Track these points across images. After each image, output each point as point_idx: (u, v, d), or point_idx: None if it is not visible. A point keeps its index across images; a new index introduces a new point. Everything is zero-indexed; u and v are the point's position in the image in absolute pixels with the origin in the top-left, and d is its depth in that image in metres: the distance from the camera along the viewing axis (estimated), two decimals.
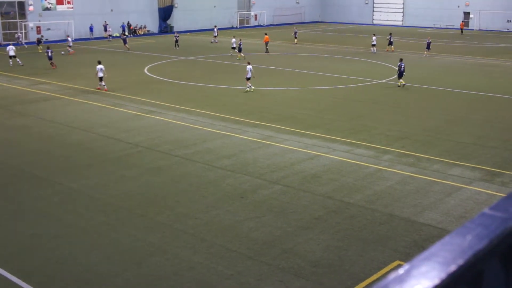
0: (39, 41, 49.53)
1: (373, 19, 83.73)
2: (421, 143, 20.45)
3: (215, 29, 57.13)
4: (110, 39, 56.83)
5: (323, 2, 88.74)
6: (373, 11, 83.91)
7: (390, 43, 49.53)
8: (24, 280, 10.68)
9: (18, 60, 39.42)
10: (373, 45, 48.55)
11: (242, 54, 43.87)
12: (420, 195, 15.30)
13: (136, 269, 11.16)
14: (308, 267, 11.30)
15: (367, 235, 12.81)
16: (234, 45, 45.07)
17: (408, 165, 17.82)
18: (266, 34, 51.06)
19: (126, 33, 56.06)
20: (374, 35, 50.19)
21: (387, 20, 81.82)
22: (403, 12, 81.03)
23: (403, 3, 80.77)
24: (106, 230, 13.04)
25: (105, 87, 30.51)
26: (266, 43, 48.63)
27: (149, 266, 11.29)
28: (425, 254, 1.25)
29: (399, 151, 19.39)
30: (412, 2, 79.43)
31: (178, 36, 52.25)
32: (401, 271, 1.23)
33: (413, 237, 12.68)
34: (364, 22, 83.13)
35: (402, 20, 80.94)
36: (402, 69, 31.42)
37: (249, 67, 29.92)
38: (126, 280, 10.75)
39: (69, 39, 47.47)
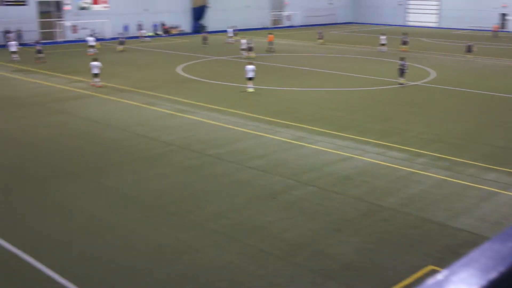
0: (96, 38, 51.50)
1: (406, 20, 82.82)
2: (455, 146, 20.16)
3: (231, 30, 57.81)
4: (145, 39, 57.39)
5: (356, 3, 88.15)
6: (407, 12, 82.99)
7: (404, 43, 49.59)
8: (59, 274, 10.86)
9: (15, 56, 41.66)
10: (383, 45, 49.19)
11: (252, 54, 44.18)
12: (455, 199, 15.08)
13: (168, 267, 11.25)
14: (339, 269, 11.24)
15: (400, 238, 12.68)
16: (244, 46, 45.08)
17: (442, 169, 17.57)
18: (270, 33, 51.23)
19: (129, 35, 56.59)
20: (383, 34, 51.14)
21: (421, 22, 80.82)
22: (437, 13, 79.95)
23: (438, 4, 79.70)
24: (139, 227, 13.18)
25: (99, 83, 31.30)
26: (270, 43, 48.59)
27: (181, 264, 11.37)
28: (464, 260, 1.23)
29: (433, 154, 19.14)
30: (447, 3, 78.31)
31: (206, 35, 54.30)
32: (439, 276, 1.21)
33: (447, 242, 12.50)
34: (397, 24, 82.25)
35: (437, 22, 79.86)
36: (404, 68, 31.98)
37: (251, 67, 29.90)
38: (158, 278, 10.84)
39: (90, 38, 47.65)
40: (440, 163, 18.15)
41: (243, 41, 45.44)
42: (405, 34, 51.85)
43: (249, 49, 44.64)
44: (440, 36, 66.16)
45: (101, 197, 15.08)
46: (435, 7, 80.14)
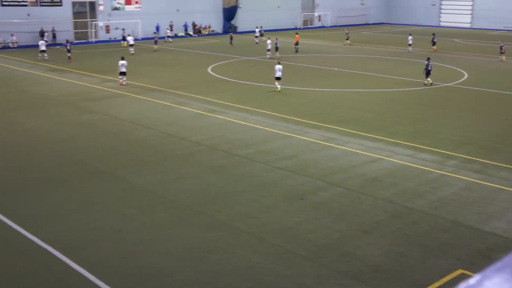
0: (123, 38, 53.57)
1: (439, 21, 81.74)
2: (487, 149, 19.82)
3: (258, 30, 58.27)
4: (168, 39, 57.89)
5: (388, 3, 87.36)
6: (440, 12, 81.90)
7: (434, 43, 49.61)
8: (89, 271, 11.02)
9: (46, 55, 42.97)
10: (410, 45, 49.44)
11: (278, 54, 44.44)
12: (486, 202, 14.83)
13: (195, 266, 11.31)
14: (367, 271, 11.15)
15: (429, 241, 12.52)
16: (269, 47, 45.27)
17: (473, 171, 17.30)
18: (297, 34, 51.62)
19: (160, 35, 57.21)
20: (410, 34, 51.54)
21: (455, 22, 79.68)
22: (471, 13, 78.71)
23: (472, 5, 78.46)
24: (167, 226, 13.28)
25: (124, 82, 31.90)
26: (296, 43, 48.83)
27: (208, 264, 11.42)
28: (497, 265, 1.20)
29: (464, 156, 18.86)
30: (481, 3, 77.04)
31: (232, 35, 55.91)
32: (472, 281, 1.18)
33: (478, 246, 12.30)
34: (430, 24, 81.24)
35: (471, 22, 78.63)
36: (429, 68, 31.90)
37: (278, 66, 29.86)
38: (185, 277, 10.91)
39: (130, 38, 48.54)
40: (471, 166, 17.87)
41: (269, 41, 45.69)
42: (433, 34, 51.58)
43: (276, 49, 44.89)
44: (473, 36, 65.16)
45: (130, 196, 15.24)
46: (468, 8, 78.91)
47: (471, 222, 13.57)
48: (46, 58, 42.67)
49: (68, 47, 43.09)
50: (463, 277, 10.95)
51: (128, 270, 11.16)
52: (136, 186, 15.95)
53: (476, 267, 11.31)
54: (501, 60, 43.79)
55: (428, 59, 32.75)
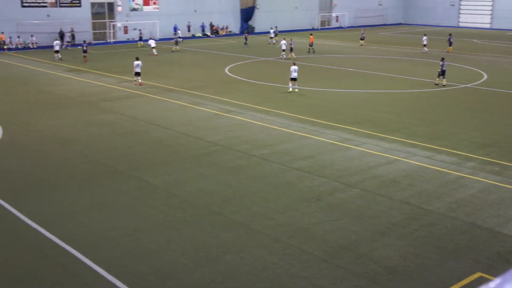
0: (140, 38, 55.02)
1: (458, 22, 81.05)
2: (506, 150, 19.58)
3: (272, 31, 58.40)
4: (180, 40, 58.17)
5: (406, 3, 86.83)
6: (459, 13, 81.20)
7: (450, 44, 49.69)
8: (106, 270, 11.07)
9: (59, 55, 43.89)
10: (424, 45, 49.48)
11: (293, 54, 44.57)
12: (505, 205, 14.65)
13: (211, 266, 11.31)
14: (384, 273, 11.07)
15: (447, 244, 12.40)
16: (284, 47, 45.29)
17: (492, 174, 17.10)
18: (311, 34, 51.98)
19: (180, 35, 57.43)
20: (425, 35, 51.47)
21: (474, 23, 78.96)
22: (491, 14, 77.93)
23: (491, 5, 77.68)
24: (183, 226, 13.30)
25: (139, 81, 32.24)
26: (311, 44, 49.02)
27: (224, 264, 11.41)
28: None
29: (483, 158, 18.66)
30: (501, 3, 76.26)
31: (247, 36, 56.14)
32: (492, 284, 1.15)
33: (497, 249, 12.15)
34: (449, 25, 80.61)
35: (490, 23, 77.87)
36: (444, 68, 31.84)
37: (294, 67, 29.80)
38: (201, 277, 10.92)
39: (152, 41, 48.67)
40: (490, 168, 17.67)
41: (283, 42, 45.74)
42: (450, 34, 51.54)
43: (290, 49, 45.00)
44: (493, 37, 64.52)
45: (146, 196, 15.30)
46: (488, 8, 78.14)
47: (489, 224, 13.42)
48: (58, 58, 43.31)
49: (85, 48, 43.67)
50: (481, 281, 10.82)
51: (144, 269, 11.19)
52: (153, 186, 16.01)
53: (495, 270, 11.18)
54: None
55: (443, 59, 32.61)
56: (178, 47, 50.49)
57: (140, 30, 56.54)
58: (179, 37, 57.30)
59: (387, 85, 32.78)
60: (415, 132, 22.02)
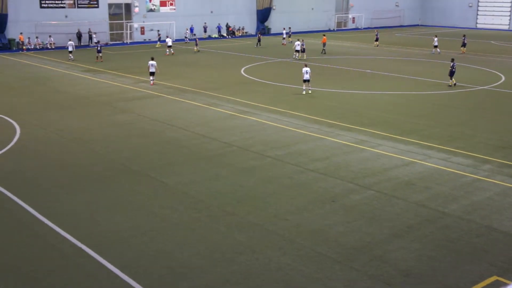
0: (159, 39, 56.33)
1: (476, 23, 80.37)
2: None
3: (284, 32, 58.77)
4: (187, 41, 58.86)
5: (423, 5, 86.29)
6: (477, 14, 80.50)
7: (464, 45, 49.81)
8: (121, 270, 11.13)
9: (71, 55, 44.76)
10: (435, 46, 49.59)
11: (303, 55, 45.23)
12: None
13: (225, 267, 11.34)
14: (398, 276, 11.02)
15: (463, 246, 12.30)
16: (298, 48, 45.75)
17: (509, 176, 16.94)
18: (324, 35, 52.21)
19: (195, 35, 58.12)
20: (436, 36, 51.64)
21: (492, 24, 78.25)
22: (510, 15, 77.16)
23: (510, 6, 76.91)
24: (198, 226, 13.35)
25: (153, 81, 32.86)
26: (324, 44, 49.40)
27: (238, 264, 11.43)
28: None
29: (500, 161, 18.49)
30: None
31: (260, 37, 56.45)
32: None
33: None
34: (467, 26, 79.96)
35: (509, 24, 77.10)
36: (453, 69, 32.26)
37: (306, 69, 29.72)
38: (216, 277, 10.94)
39: (168, 39, 49.49)
40: (507, 170, 17.51)
41: (297, 42, 46.02)
42: (464, 35, 51.57)
43: (303, 50, 45.49)
44: (511, 39, 63.86)
45: (161, 195, 15.37)
46: (507, 9, 77.39)
47: (506, 228, 13.29)
48: (71, 59, 44.13)
49: (99, 48, 44.12)
50: (498, 284, 10.73)
51: (159, 269, 11.25)
52: (168, 186, 16.08)
53: (511, 274, 11.07)
54: None
55: (453, 60, 32.91)
56: (197, 48, 50.76)
57: (158, 31, 57.12)
58: (188, 38, 58.21)
59: (402, 87, 32.61)
60: (431, 134, 21.88)
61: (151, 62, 32.65)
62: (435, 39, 49.93)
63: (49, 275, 11.05)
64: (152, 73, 32.69)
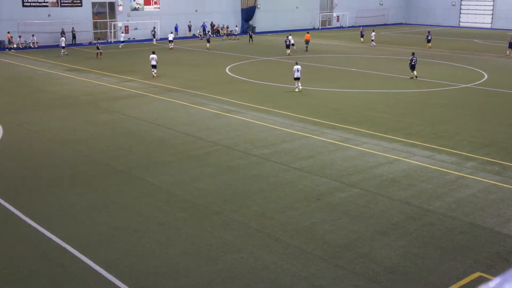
0: (153, 35, 58.43)
1: (459, 22, 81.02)
2: (507, 150, 19.59)
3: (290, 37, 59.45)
4: (201, 38, 60.49)
5: (407, 3, 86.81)
6: (460, 13, 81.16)
7: (428, 41, 52.54)
8: (106, 270, 11.09)
9: (64, 51, 46.99)
10: (372, 40, 53.67)
11: (291, 51, 46.89)
12: (505, 205, 14.66)
13: (211, 266, 11.33)
14: (383, 273, 11.09)
15: (447, 243, 12.41)
16: (293, 42, 47.75)
17: (492, 173, 17.12)
18: (307, 33, 53.00)
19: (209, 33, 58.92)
20: (373, 31, 55.88)
21: (475, 23, 78.93)
22: (492, 14, 77.89)
23: (492, 5, 77.63)
24: (183, 225, 13.32)
25: (155, 74, 34.97)
26: (307, 41, 50.17)
27: (224, 264, 11.44)
28: None
29: (483, 158, 18.67)
30: (502, 3, 76.22)
31: (251, 34, 58.75)
32: (491, 284, 1.17)
33: (496, 249, 12.16)
34: (450, 25, 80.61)
35: (491, 23, 77.82)
36: (413, 62, 34.08)
37: (296, 67, 29.87)
38: (201, 277, 10.94)
39: (171, 35, 52.70)
40: (490, 168, 17.69)
41: (290, 37, 47.62)
42: (429, 32, 54.86)
43: (292, 44, 47.36)
44: (494, 37, 64.49)
45: (147, 195, 15.32)
46: (489, 8, 78.10)
47: (489, 224, 13.43)
48: (62, 54, 46.02)
49: (98, 46, 45.70)
50: (481, 280, 10.84)
51: (145, 269, 11.22)
52: (153, 186, 16.04)
53: (495, 270, 11.19)
54: (508, 54, 46.83)
55: (413, 54, 34.78)
56: (209, 45, 52.36)
57: (154, 28, 59.05)
58: (201, 35, 59.96)
59: (387, 85, 32.79)
60: (415, 132, 22.04)
61: (152, 55, 34.91)
62: (373, 33, 53.71)
63: (32, 276, 10.97)
64: (153, 66, 34.77)
